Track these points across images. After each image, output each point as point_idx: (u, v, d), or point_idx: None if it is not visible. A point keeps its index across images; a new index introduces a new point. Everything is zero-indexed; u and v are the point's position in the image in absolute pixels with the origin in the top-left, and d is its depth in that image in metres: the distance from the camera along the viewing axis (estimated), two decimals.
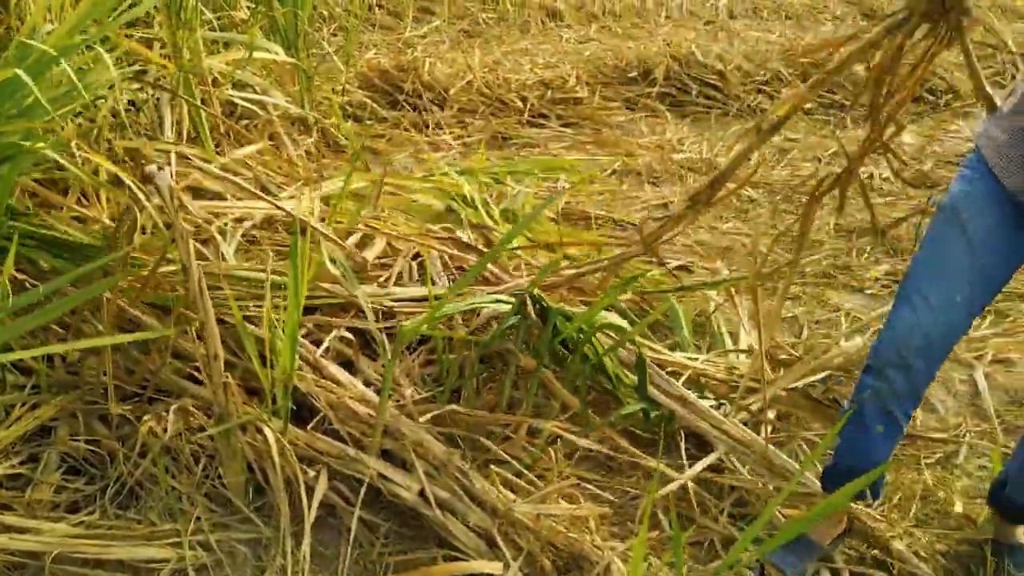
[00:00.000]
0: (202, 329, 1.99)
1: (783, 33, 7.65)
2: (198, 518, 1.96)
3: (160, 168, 2.10)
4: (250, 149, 3.34)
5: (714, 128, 5.50)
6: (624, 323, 2.11)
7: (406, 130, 4.92)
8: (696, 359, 2.42)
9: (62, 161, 2.25)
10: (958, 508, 2.22)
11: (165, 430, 2.02)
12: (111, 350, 2.07)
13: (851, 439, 1.87)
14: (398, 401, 2.10)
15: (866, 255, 3.71)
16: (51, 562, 1.84)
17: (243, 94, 3.83)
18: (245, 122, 4.05)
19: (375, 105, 5.15)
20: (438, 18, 7.83)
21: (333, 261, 2.36)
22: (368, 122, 5.02)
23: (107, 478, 2.05)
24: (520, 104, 5.43)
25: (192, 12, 3.50)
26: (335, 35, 6.56)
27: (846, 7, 10.21)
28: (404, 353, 2.30)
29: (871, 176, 4.48)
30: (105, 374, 2.08)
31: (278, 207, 2.44)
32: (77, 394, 2.14)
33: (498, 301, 2.13)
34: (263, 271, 2.20)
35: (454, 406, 2.10)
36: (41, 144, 2.09)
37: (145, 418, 2.04)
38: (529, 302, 2.08)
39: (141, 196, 2.12)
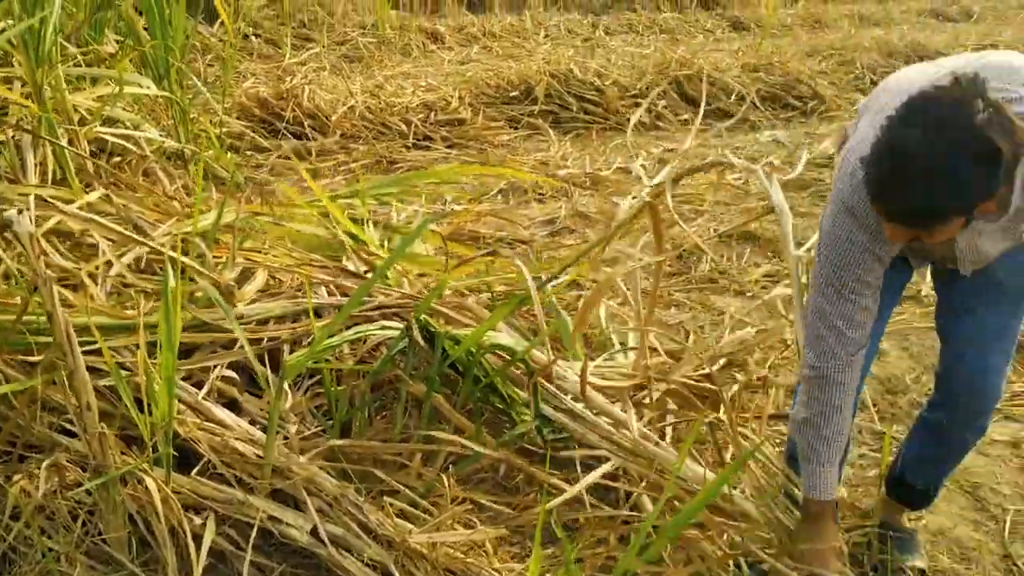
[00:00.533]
0: (72, 378, 1.89)
1: (657, 47, 7.89)
2: None
3: (20, 212, 2.00)
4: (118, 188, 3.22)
5: (596, 142, 5.62)
6: (511, 341, 2.12)
7: (288, 159, 4.84)
8: (590, 366, 2.44)
9: None
10: (843, 494, 2.31)
11: (38, 488, 1.91)
12: None
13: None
14: (287, 438, 2.05)
15: (745, 259, 3.84)
16: None
17: (113, 130, 3.69)
18: (117, 159, 3.91)
19: (255, 135, 5.05)
20: (317, 44, 7.77)
21: (209, 298, 2.28)
22: (248, 153, 4.92)
23: None
24: (404, 127, 5.43)
25: (52, 47, 3.36)
26: (212, 65, 6.42)
27: (716, 20, 10.63)
28: (291, 388, 2.25)
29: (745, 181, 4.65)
30: None
31: (149, 246, 2.35)
32: None
33: (384, 327, 2.11)
34: (135, 314, 2.11)
35: (345, 440, 2.06)
36: None
37: (15, 477, 1.93)
38: (415, 327, 2.07)
39: None
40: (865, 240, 1.63)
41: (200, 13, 7.39)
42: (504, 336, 2.17)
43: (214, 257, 2.61)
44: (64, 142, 3.26)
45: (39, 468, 1.93)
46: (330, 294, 2.55)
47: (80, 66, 4.07)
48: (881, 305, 1.81)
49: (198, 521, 1.89)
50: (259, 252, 2.66)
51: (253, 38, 7.58)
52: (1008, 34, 10.26)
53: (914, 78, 1.68)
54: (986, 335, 1.85)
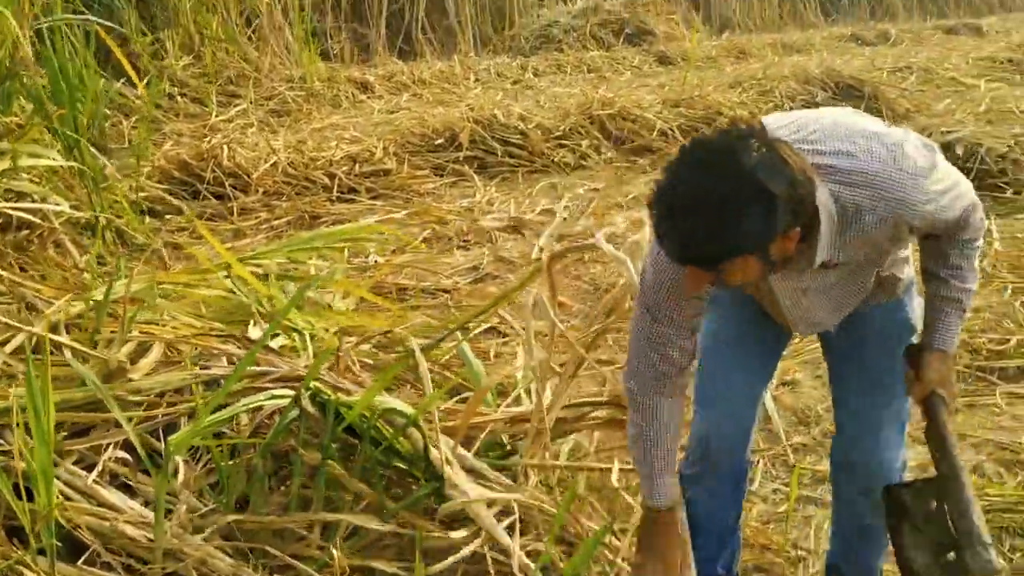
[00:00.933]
0: None
1: (582, 88, 8.00)
2: None
3: None
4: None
5: (522, 186, 5.66)
6: (405, 406, 2.09)
7: (209, 220, 4.80)
8: (496, 414, 2.43)
9: None
10: (754, 528, 2.32)
11: None
12: None
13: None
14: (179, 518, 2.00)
15: None
16: None
17: (15, 205, 3.62)
18: (25, 232, 3.84)
19: (173, 198, 5.00)
20: (244, 100, 7.74)
21: (106, 375, 2.24)
22: (167, 216, 4.87)
23: None
24: (327, 181, 5.42)
25: None
26: (135, 127, 6.36)
27: (643, 56, 10.83)
28: (188, 463, 2.20)
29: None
30: None
31: (26, 331, 2.30)
32: None
33: (273, 397, 2.08)
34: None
35: (240, 515, 2.02)
36: None
37: None
38: (304, 395, 2.04)
39: None
40: (677, 277, 1.62)
41: (123, 75, 7.37)
42: (394, 400, 2.15)
43: (111, 332, 2.57)
44: None
45: None
46: (231, 363, 2.51)
47: None
48: (755, 362, 1.86)
49: None
50: (156, 324, 2.61)
51: (179, 97, 7.53)
52: (923, 55, 10.60)
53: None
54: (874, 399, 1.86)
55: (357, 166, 5.60)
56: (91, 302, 2.59)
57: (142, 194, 4.90)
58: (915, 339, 1.84)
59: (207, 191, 5.16)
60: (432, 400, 2.10)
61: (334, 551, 1.88)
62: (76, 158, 4.24)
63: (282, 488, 2.21)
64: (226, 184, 5.17)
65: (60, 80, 4.20)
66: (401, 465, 2.19)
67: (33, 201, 3.80)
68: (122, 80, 6.77)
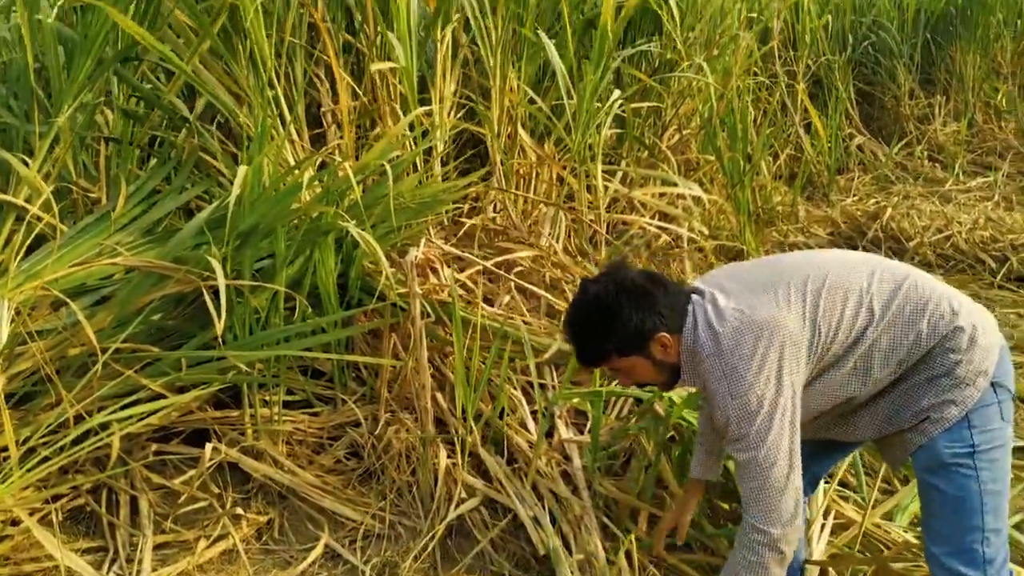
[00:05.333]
0: None
1: None
2: None
3: None
4: None
5: None
6: None
7: None
8: None
9: None
10: None
11: None
12: None
13: None
14: None
15: None
16: None
17: (662, 223, 4.46)
18: (663, 244, 4.70)
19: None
20: (997, 173, 7.40)
21: None
22: None
23: None
24: (995, 265, 5.07)
25: None
26: (858, 179, 6.75)
27: None
28: None
29: None
30: None
31: None
32: None
33: None
34: None
35: None
36: None
37: None
38: None
39: None
40: None
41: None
42: None
43: None
44: None
45: None
46: None
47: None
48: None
49: None
50: None
51: (926, 161, 7.58)
52: None
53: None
54: None
55: None
56: None
57: (800, 238, 5.37)
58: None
59: (863, 248, 5.34)
60: None
61: None
62: (735, 195, 4.91)
63: None
64: (883, 245, 5.27)
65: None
66: None
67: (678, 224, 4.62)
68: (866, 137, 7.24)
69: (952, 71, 8.07)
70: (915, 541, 2.51)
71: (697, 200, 4.74)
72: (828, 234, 5.54)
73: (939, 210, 5.78)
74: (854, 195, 6.41)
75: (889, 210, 5.55)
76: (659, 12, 4.62)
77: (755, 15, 5.82)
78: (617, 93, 4.17)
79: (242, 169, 2.75)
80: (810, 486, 2.29)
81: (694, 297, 1.99)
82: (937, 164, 7.65)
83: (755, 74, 6.07)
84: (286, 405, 3.07)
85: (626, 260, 2.23)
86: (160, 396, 2.77)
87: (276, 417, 2.97)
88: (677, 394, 2.63)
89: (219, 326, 2.48)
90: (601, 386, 2.88)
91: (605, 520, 2.62)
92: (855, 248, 5.39)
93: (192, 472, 2.84)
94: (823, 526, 2.56)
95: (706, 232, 4.66)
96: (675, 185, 4.47)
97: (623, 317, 1.93)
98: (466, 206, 3.95)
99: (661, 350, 1.96)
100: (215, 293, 2.58)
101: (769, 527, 1.84)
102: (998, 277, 4.96)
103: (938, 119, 7.93)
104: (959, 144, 7.60)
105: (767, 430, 1.82)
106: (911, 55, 7.89)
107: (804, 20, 6.95)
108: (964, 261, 5.15)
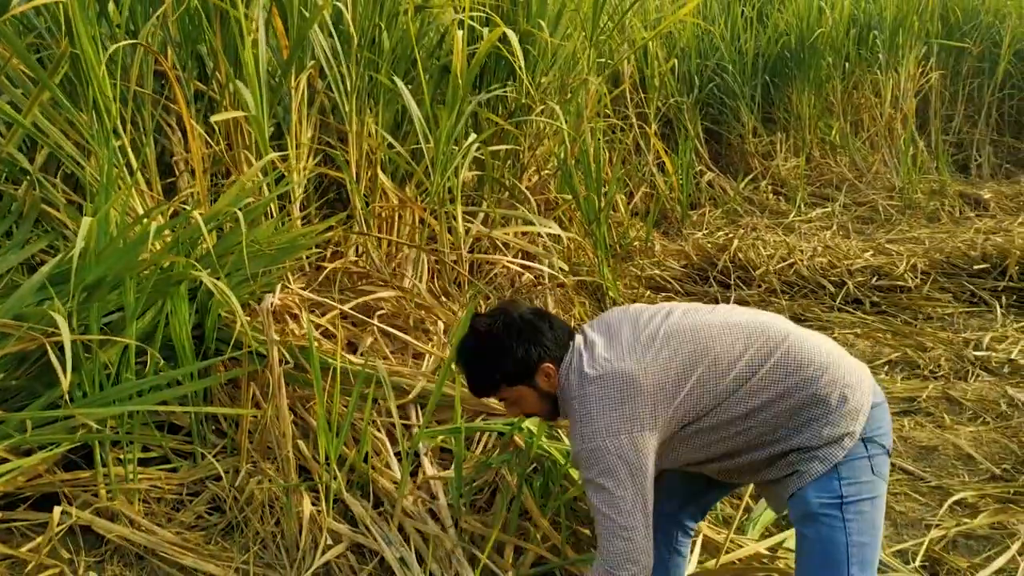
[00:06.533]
0: None
1: None
2: None
3: None
4: None
5: None
6: None
7: None
8: None
9: None
10: None
11: None
12: None
13: None
14: None
15: None
16: None
17: (525, 262, 4.59)
18: (528, 283, 4.83)
19: (679, 281, 5.57)
20: (834, 204, 7.87)
21: None
22: (664, 294, 5.47)
23: None
24: (834, 289, 5.41)
25: None
26: (709, 214, 7.09)
27: None
28: None
29: None
30: None
31: None
32: None
33: None
34: None
35: None
36: None
37: None
38: None
39: None
40: None
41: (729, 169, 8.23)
42: None
43: None
44: None
45: None
46: None
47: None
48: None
49: None
50: None
51: (771, 195, 8.05)
52: None
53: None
54: None
55: (875, 279, 5.46)
56: None
57: (656, 271, 5.61)
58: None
59: (714, 279, 5.63)
60: None
61: None
62: (592, 232, 5.11)
63: None
64: (732, 275, 5.57)
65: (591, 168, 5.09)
66: None
67: (539, 262, 4.77)
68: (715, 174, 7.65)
69: (790, 110, 8.63)
70: (766, 552, 2.66)
71: (556, 238, 4.90)
72: (682, 266, 5.81)
73: (782, 240, 6.16)
74: (706, 229, 6.74)
75: (736, 241, 5.87)
76: (511, 59, 4.78)
77: (603, 60, 6.09)
78: (473, 136, 4.28)
79: (86, 220, 2.69)
80: (700, 513, 2.36)
81: (577, 336, 2.09)
82: (781, 197, 8.15)
83: (607, 116, 6.35)
84: (142, 462, 2.98)
85: (516, 299, 2.33)
86: (4, 460, 2.64)
87: (131, 475, 2.88)
88: (534, 424, 2.71)
89: (64, 383, 2.40)
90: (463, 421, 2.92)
91: (474, 553, 2.65)
92: (706, 279, 5.68)
93: (40, 538, 2.71)
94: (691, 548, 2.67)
95: (566, 269, 4.82)
96: (534, 224, 4.61)
97: (511, 348, 2.05)
98: (328, 251, 3.95)
99: (545, 380, 2.08)
100: (60, 349, 2.50)
101: (616, 571, 1.92)
102: (837, 300, 5.31)
103: (780, 155, 8.46)
104: (799, 178, 8.11)
105: (611, 478, 1.89)
106: (752, 96, 8.40)
107: (653, 64, 7.32)
108: (806, 287, 5.50)
